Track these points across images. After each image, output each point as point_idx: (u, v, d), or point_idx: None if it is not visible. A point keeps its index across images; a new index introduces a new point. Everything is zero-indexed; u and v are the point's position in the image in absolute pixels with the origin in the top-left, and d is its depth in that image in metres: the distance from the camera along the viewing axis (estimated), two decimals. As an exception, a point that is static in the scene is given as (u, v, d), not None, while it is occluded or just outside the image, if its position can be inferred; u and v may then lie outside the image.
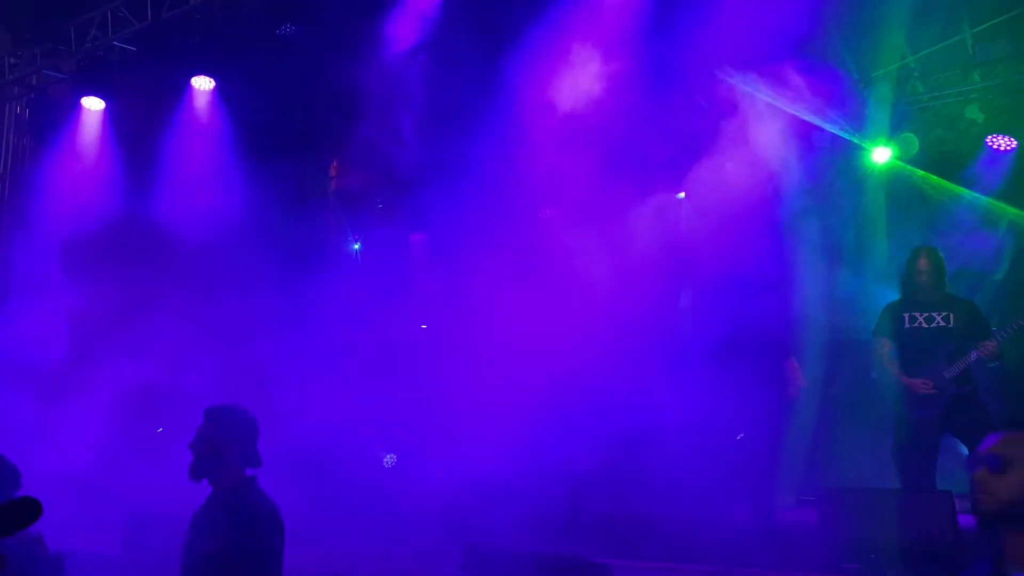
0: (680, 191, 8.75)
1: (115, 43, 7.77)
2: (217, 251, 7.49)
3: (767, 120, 7.05)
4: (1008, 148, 7.71)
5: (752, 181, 6.82)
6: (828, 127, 8.00)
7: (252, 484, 2.98)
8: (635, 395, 6.70)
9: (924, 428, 5.08)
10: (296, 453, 6.38)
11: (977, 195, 8.25)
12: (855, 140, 8.11)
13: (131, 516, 5.55)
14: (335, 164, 10.90)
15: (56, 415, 7.02)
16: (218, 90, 7.73)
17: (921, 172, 8.29)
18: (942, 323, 5.16)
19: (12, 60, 8.58)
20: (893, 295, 5.83)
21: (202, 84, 7.65)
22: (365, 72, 7.39)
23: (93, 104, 7.91)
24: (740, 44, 6.79)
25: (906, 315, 5.25)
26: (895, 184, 8.54)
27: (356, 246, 10.85)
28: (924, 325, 5.20)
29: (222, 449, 2.95)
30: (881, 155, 8.20)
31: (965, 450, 5.07)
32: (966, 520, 4.79)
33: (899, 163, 8.48)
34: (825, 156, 8.27)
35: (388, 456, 7.91)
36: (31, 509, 1.62)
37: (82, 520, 5.83)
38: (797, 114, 7.40)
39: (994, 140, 7.64)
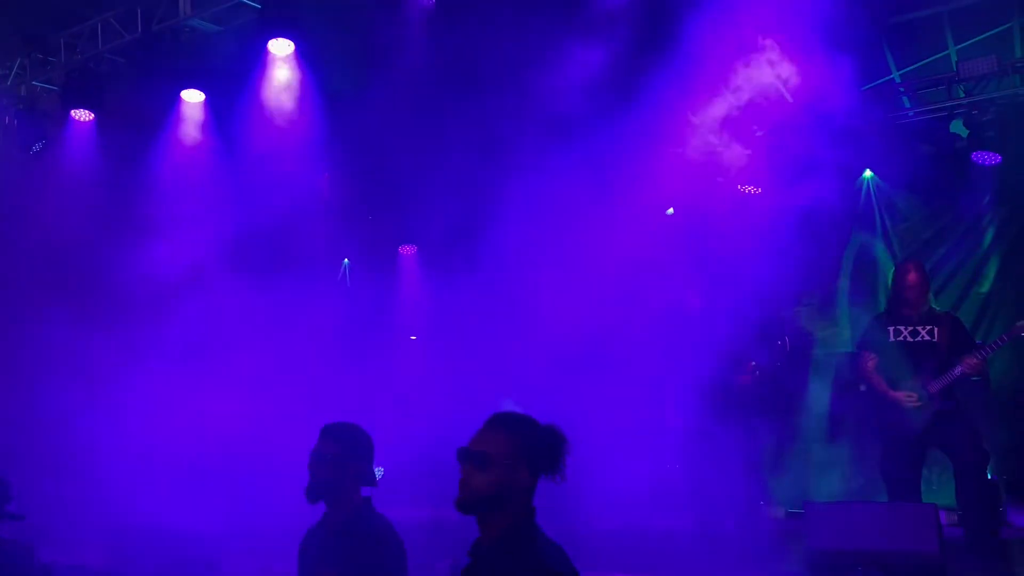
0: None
1: (105, 55, 7.78)
2: (209, 265, 7.49)
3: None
4: (992, 163, 7.80)
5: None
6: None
7: (370, 506, 2.89)
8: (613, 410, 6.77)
9: (909, 442, 5.12)
10: (280, 463, 6.37)
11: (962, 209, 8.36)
12: None
13: (117, 529, 5.52)
14: (327, 176, 10.93)
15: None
16: (208, 104, 7.74)
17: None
18: (927, 337, 5.20)
19: (0, 71, 8.58)
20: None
21: (192, 97, 7.66)
22: (358, 82, 7.43)
23: (82, 115, 7.91)
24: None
25: (891, 328, 5.29)
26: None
27: (346, 261, 10.87)
28: (909, 339, 5.24)
29: (342, 469, 2.83)
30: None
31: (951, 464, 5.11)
32: (952, 532, 4.85)
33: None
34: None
35: (377, 469, 7.90)
36: None
37: (70, 534, 5.82)
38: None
39: (979, 156, 7.73)
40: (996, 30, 7.64)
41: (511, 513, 2.18)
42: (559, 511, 3.09)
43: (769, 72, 7.94)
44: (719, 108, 8.54)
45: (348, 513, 2.84)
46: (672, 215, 8.86)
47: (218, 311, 7.47)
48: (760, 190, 8.42)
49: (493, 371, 7.41)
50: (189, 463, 6.73)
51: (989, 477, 5.43)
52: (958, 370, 5.05)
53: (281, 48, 7.05)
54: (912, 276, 5.29)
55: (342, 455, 2.84)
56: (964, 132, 7.85)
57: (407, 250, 10.78)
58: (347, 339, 8.55)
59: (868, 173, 8.82)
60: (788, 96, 8.64)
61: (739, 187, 8.58)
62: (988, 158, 7.72)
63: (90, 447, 6.73)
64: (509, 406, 2.74)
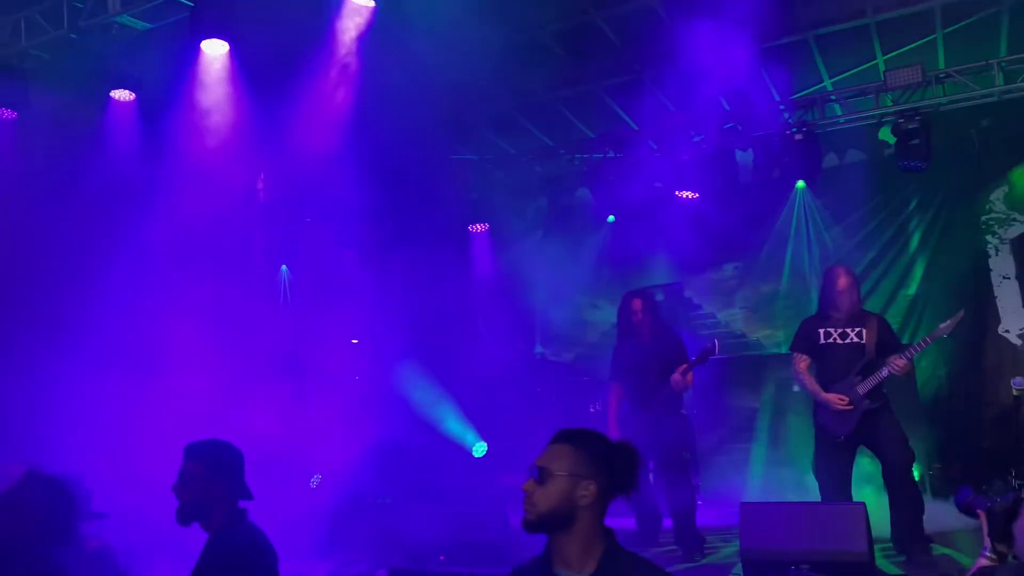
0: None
1: (30, 51, 7.50)
2: (138, 271, 7.26)
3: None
4: (918, 169, 8.05)
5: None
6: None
7: (242, 519, 2.82)
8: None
9: (839, 442, 5.24)
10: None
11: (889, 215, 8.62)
12: None
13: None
14: (262, 177, 10.73)
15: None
16: (138, 103, 7.51)
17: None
18: (855, 339, 5.33)
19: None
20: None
21: (122, 96, 7.42)
22: (294, 83, 7.31)
23: (4, 114, 7.60)
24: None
25: (821, 331, 5.41)
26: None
27: (284, 268, 10.67)
28: (839, 341, 5.36)
29: (207, 487, 2.77)
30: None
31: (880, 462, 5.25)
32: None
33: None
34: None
35: (314, 477, 7.79)
36: None
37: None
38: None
39: (905, 163, 7.97)
40: (921, 42, 7.90)
41: (582, 531, 2.13)
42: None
43: (705, 78, 8.09)
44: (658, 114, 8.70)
45: (216, 530, 2.78)
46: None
47: (146, 314, 7.25)
48: (697, 195, 8.55)
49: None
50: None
51: (916, 475, 5.60)
52: (885, 371, 5.19)
53: (215, 48, 6.89)
54: (842, 281, 5.40)
55: (205, 473, 2.78)
56: (892, 139, 8.10)
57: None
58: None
59: (800, 183, 9.05)
60: (725, 104, 8.83)
61: (676, 192, 8.70)
62: (914, 165, 7.96)
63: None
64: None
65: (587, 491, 2.14)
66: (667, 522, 5.82)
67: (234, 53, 6.97)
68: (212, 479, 2.78)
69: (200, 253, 7.49)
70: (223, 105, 7.15)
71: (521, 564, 2.26)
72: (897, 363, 5.13)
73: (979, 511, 2.73)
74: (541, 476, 2.14)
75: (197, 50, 6.91)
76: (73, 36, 7.01)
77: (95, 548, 3.13)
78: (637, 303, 5.88)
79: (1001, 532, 2.65)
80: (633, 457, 2.21)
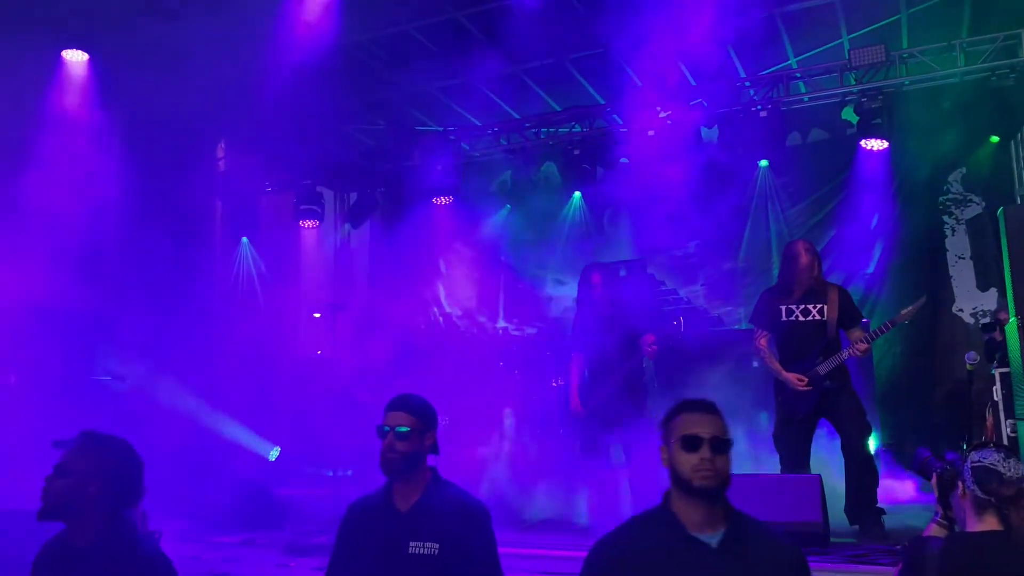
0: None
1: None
2: (90, 247, 7.06)
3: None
4: (880, 149, 8.14)
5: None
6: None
7: (130, 524, 2.63)
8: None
9: (799, 418, 5.30)
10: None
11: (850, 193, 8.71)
12: None
13: None
14: (222, 145, 10.51)
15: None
16: (92, 64, 7.28)
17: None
18: (817, 316, 5.36)
19: None
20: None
21: (74, 57, 7.18)
22: (257, 45, 7.13)
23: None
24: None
25: (783, 307, 5.43)
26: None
27: (244, 241, 10.49)
28: (800, 318, 5.39)
29: (92, 484, 2.53)
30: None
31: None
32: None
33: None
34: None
35: (274, 449, 7.73)
36: None
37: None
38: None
39: (867, 142, 8.05)
40: (885, 21, 7.96)
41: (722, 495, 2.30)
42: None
43: (672, 55, 8.07)
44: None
45: (101, 535, 2.54)
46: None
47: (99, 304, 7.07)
48: (662, 171, 8.55)
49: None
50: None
51: (872, 449, 5.70)
52: (846, 354, 5.25)
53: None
54: (804, 258, 5.40)
55: (93, 469, 2.54)
56: (854, 118, 8.16)
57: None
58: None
59: (764, 162, 9.10)
60: (691, 79, 8.83)
61: (641, 168, 8.69)
62: (876, 144, 8.04)
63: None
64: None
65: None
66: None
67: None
68: (102, 476, 2.55)
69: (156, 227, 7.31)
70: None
71: (632, 521, 2.37)
72: (858, 347, 5.19)
73: (933, 473, 2.78)
74: (721, 446, 2.26)
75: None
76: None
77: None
78: (596, 276, 5.88)
79: (946, 500, 2.70)
80: None
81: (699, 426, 2.28)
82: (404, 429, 2.76)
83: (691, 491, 2.24)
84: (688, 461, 2.25)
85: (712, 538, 2.23)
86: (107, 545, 2.54)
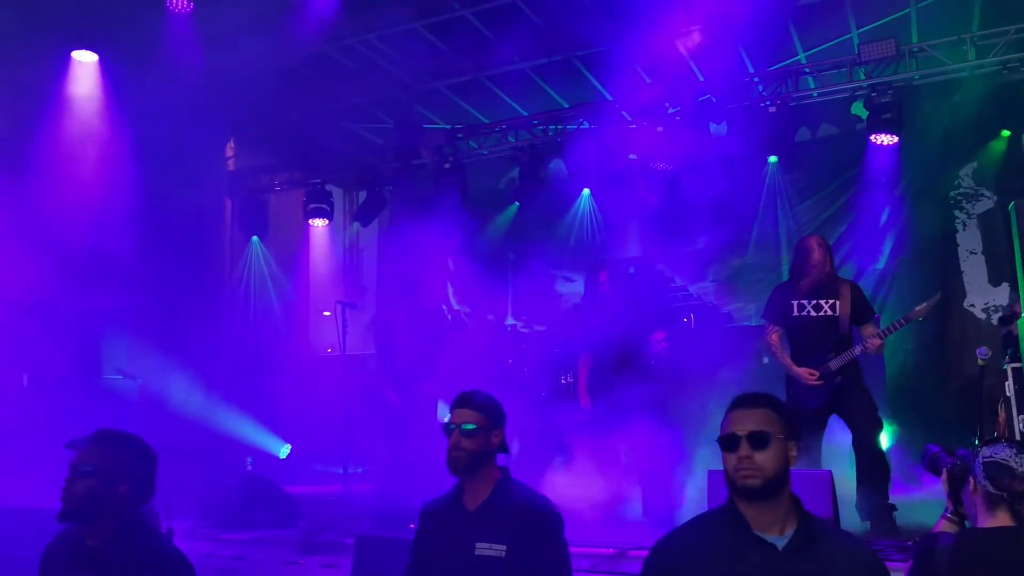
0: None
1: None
2: (100, 247, 7.09)
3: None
4: (889, 144, 8.09)
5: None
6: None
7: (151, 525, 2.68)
8: None
9: (810, 414, 5.28)
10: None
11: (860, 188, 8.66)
12: None
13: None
14: (231, 144, 10.55)
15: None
16: (103, 65, 7.30)
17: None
18: (829, 312, 5.34)
19: None
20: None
21: (84, 58, 7.20)
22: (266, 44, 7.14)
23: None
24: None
25: (795, 303, 5.41)
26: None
27: (255, 239, 10.51)
28: (812, 313, 5.36)
29: (118, 484, 2.52)
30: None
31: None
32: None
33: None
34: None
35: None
36: None
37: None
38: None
39: (877, 137, 8.00)
40: (895, 16, 7.91)
41: (785, 493, 2.18)
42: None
43: (682, 52, 8.05)
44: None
45: (119, 534, 2.53)
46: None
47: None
48: (671, 167, 8.53)
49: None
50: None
51: (886, 445, 5.68)
52: (858, 349, 5.22)
53: (180, 7, 6.70)
54: (816, 253, 5.38)
55: (116, 468, 2.53)
56: (864, 113, 8.11)
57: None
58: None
59: (773, 158, 9.05)
60: (699, 75, 8.80)
61: (650, 164, 8.68)
62: (886, 139, 7.99)
63: None
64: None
65: (793, 453, 2.21)
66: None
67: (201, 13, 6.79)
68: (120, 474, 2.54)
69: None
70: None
71: (696, 519, 2.27)
72: (872, 343, 5.16)
73: (943, 469, 2.76)
74: (761, 441, 2.14)
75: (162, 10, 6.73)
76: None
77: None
78: (603, 274, 5.86)
79: (957, 495, 2.68)
80: (802, 414, 2.29)
81: (736, 423, 2.19)
82: (470, 427, 2.71)
83: (737, 492, 2.15)
84: (729, 462, 2.16)
85: (779, 540, 2.13)
86: (124, 545, 2.52)
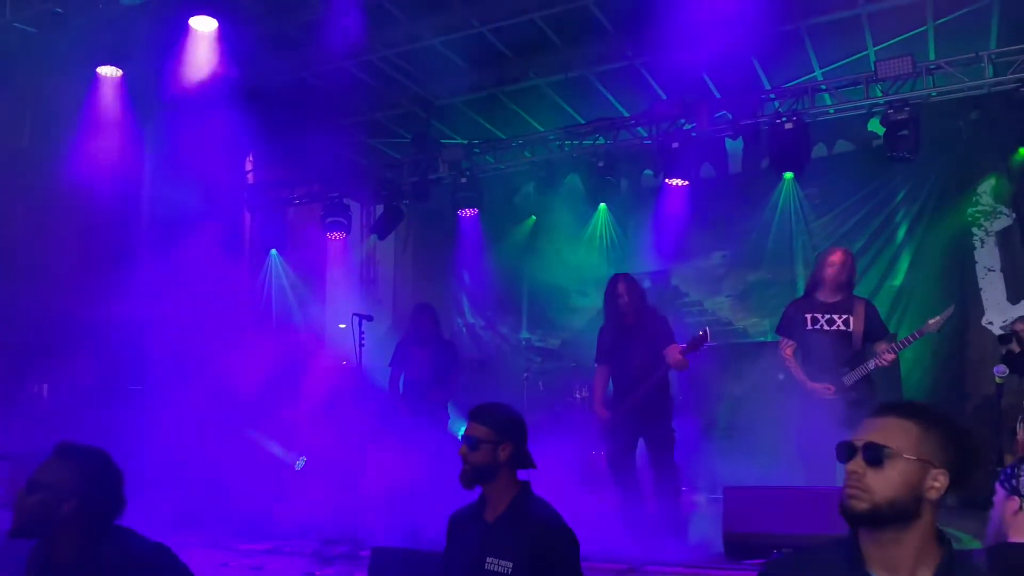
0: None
1: (15, 24, 7.40)
2: (121, 258, 7.20)
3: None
4: (906, 161, 8.06)
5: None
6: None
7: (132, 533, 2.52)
8: None
9: (826, 429, 5.26)
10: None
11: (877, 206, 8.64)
12: None
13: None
14: (250, 158, 10.66)
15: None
16: (125, 80, 7.43)
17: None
18: (842, 327, 5.34)
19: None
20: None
21: (109, 72, 7.35)
22: (286, 62, 7.24)
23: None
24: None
25: (808, 316, 5.41)
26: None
27: (273, 252, 10.61)
28: (825, 327, 5.37)
29: (63, 501, 2.40)
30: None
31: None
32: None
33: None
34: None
35: (300, 459, 7.80)
36: None
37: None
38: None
39: (894, 154, 7.98)
40: (912, 33, 7.91)
41: (919, 530, 1.76)
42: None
43: (696, 67, 8.08)
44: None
45: (80, 552, 2.42)
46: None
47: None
48: (686, 183, 8.55)
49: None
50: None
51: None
52: (872, 364, 5.22)
53: (203, 25, 6.82)
54: (838, 264, 5.38)
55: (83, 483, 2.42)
56: (881, 130, 8.09)
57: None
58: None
59: (788, 175, 9.05)
60: (715, 92, 8.83)
61: (666, 180, 8.70)
62: (902, 156, 7.97)
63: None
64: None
65: (937, 482, 1.77)
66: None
67: (223, 31, 6.90)
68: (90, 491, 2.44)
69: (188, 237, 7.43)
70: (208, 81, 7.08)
71: (814, 547, 1.93)
72: (885, 357, 5.16)
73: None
74: (876, 455, 1.75)
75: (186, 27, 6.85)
76: (59, 10, 6.92)
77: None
78: (622, 286, 5.86)
79: None
80: (981, 451, 1.88)
81: (860, 430, 1.82)
82: (474, 440, 2.75)
83: (840, 513, 1.79)
84: (841, 475, 1.81)
85: None
86: (91, 563, 2.40)
